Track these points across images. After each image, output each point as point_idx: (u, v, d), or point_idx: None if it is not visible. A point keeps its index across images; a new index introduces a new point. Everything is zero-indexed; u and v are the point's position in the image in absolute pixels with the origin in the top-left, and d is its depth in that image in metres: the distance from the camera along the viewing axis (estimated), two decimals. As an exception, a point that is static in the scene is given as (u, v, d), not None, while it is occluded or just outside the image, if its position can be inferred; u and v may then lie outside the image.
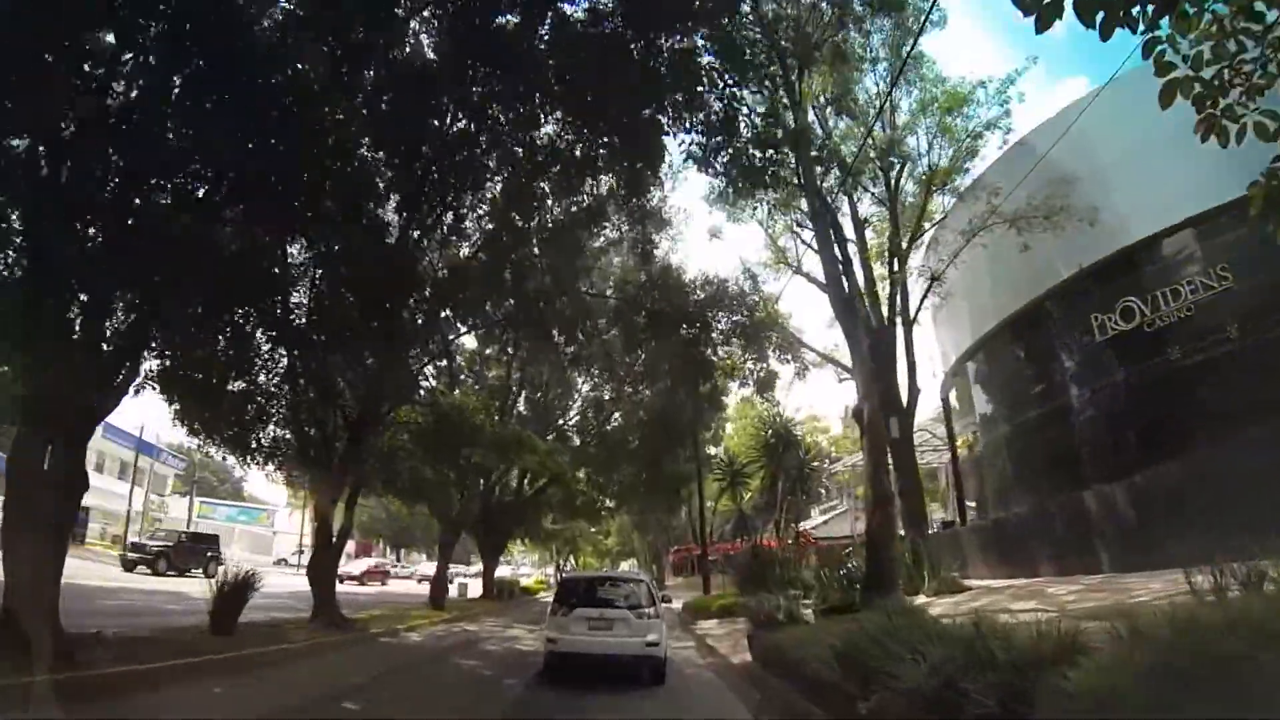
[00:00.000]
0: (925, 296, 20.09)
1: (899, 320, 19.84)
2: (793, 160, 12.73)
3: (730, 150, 8.12)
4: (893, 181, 20.85)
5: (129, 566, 23.82)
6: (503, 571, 42.86)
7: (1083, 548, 14.83)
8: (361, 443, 13.73)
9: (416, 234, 14.44)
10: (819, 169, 15.29)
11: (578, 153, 12.06)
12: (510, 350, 23.86)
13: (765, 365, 15.22)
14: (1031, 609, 9.80)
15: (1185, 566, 9.72)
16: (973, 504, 25.78)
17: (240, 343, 12.07)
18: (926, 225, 21.55)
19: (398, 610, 17.77)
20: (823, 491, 43.79)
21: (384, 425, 14.92)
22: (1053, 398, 19.05)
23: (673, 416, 22.94)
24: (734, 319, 14.01)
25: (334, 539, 13.75)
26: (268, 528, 62.69)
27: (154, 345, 10.75)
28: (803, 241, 21.58)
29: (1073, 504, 15.73)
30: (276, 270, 11.85)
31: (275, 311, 12.27)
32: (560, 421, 28.49)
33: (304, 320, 12.96)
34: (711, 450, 34.02)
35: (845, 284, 13.64)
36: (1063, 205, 16.35)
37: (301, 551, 42.74)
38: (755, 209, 20.27)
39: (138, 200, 9.68)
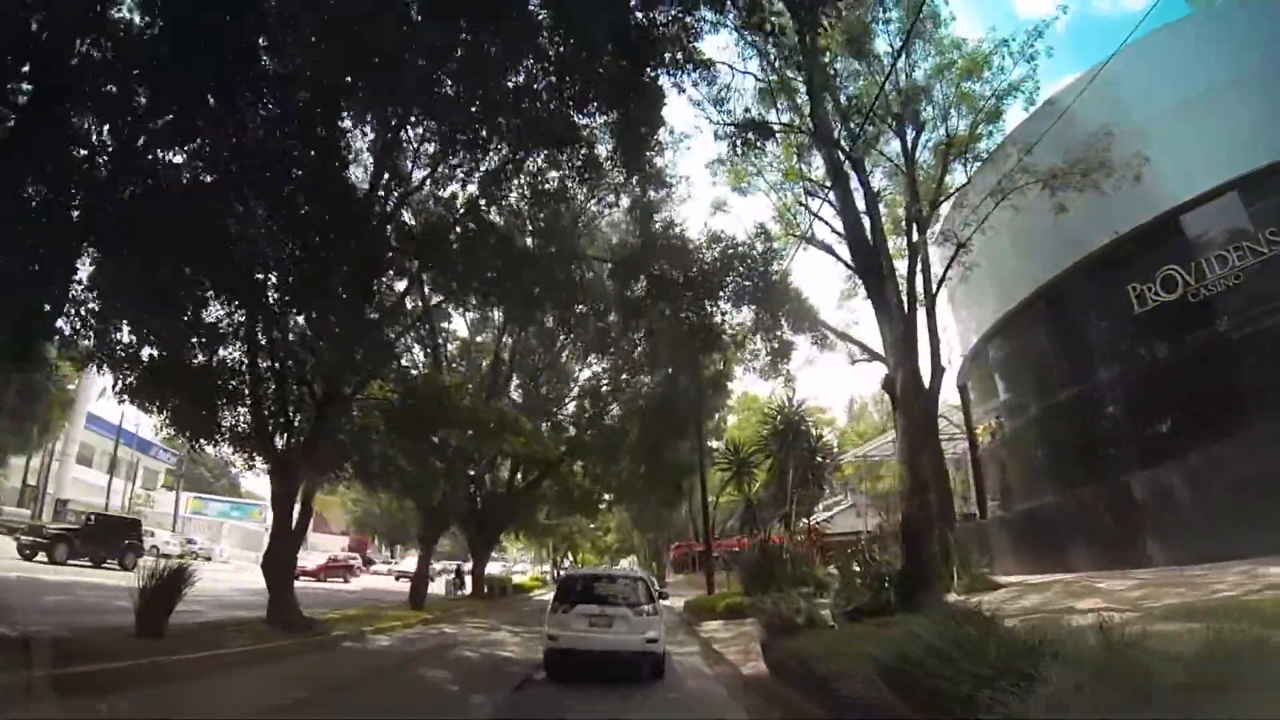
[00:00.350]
0: (949, 267, 18.62)
1: (919, 296, 18.43)
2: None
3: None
4: (909, 143, 19.41)
5: (27, 554, 20.72)
6: (498, 569, 41.59)
7: (1128, 539, 13.57)
8: (328, 421, 12.34)
9: (397, 195, 13.20)
10: (836, 119, 13.85)
11: (570, 116, 11.07)
12: (500, 332, 22.52)
13: (780, 334, 13.76)
14: (1096, 609, 8.41)
15: (1258, 557, 8.28)
16: (991, 497, 24.38)
17: (185, 292, 10.64)
18: (942, 199, 20.19)
19: (372, 609, 16.37)
20: (826, 488, 42.54)
21: (354, 403, 13.51)
22: (1087, 377, 17.53)
23: (674, 403, 21.67)
24: (745, 283, 12.56)
25: (294, 528, 12.33)
26: (260, 523, 61.42)
27: (71, 308, 9.41)
28: (812, 214, 20.19)
29: (1116, 492, 14.37)
30: (228, 221, 10.40)
31: (232, 272, 10.84)
32: (556, 411, 27.20)
33: (265, 280, 11.54)
34: (713, 444, 32.80)
35: (870, 240, 12.19)
36: (1102, 161, 14.89)
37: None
38: (762, 173, 18.89)
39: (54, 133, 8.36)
